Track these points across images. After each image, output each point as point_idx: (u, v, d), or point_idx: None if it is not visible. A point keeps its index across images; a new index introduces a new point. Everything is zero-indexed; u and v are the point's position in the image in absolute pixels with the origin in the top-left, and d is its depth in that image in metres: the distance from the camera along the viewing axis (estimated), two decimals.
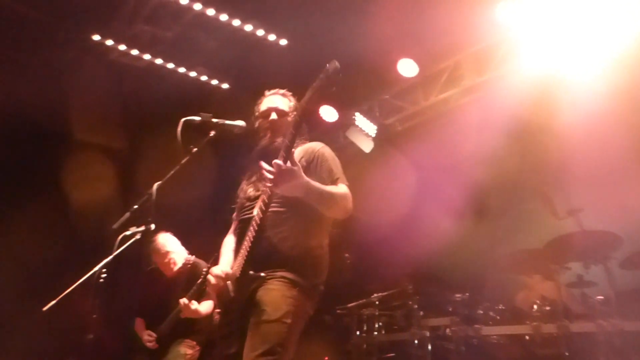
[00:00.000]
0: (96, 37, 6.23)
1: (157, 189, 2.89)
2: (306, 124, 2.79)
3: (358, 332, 5.36)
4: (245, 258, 2.54)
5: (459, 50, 6.01)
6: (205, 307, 4.14)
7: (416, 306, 4.81)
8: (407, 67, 6.12)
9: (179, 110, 2.93)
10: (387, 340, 5.21)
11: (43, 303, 4.00)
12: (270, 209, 2.55)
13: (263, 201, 2.52)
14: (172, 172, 2.89)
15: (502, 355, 4.09)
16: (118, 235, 4.09)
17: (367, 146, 6.83)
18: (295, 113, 2.77)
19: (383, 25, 5.36)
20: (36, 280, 6.00)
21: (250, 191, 2.80)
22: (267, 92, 2.98)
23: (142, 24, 6.20)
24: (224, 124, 2.90)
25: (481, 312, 4.22)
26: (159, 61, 6.54)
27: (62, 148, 6.76)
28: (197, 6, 5.80)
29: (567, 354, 3.69)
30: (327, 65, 2.44)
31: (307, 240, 2.63)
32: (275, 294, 2.47)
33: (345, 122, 6.96)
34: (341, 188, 2.63)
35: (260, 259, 2.53)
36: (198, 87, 6.79)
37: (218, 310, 2.72)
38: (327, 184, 2.61)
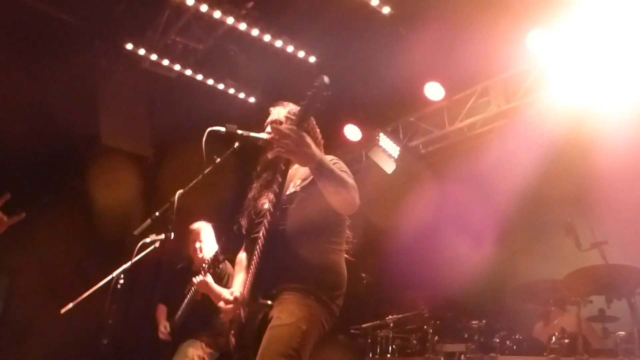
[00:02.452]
0: (129, 46, 6.37)
1: (179, 198, 2.91)
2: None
3: (371, 354, 5.29)
4: (252, 282, 2.50)
5: (487, 76, 5.99)
6: (221, 289, 4.07)
7: (431, 331, 4.73)
8: (433, 91, 6.12)
9: (205, 121, 2.96)
10: None
11: (62, 305, 4.05)
12: (276, 228, 2.47)
13: (267, 221, 2.47)
14: (194, 181, 2.91)
15: None
16: (138, 242, 4.15)
17: (389, 167, 6.81)
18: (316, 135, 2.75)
19: (412, 47, 5.38)
20: (56, 283, 6.09)
21: (263, 202, 2.71)
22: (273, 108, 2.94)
23: (175, 35, 6.34)
24: (248, 136, 2.91)
25: (497, 340, 4.13)
26: (188, 72, 6.65)
27: (90, 153, 6.88)
28: (230, 20, 5.91)
29: None
30: (316, 81, 2.33)
31: (319, 255, 2.54)
32: (289, 302, 2.41)
33: (369, 142, 6.96)
34: (350, 179, 2.47)
35: (269, 280, 2.46)
36: (225, 99, 6.88)
37: (232, 332, 2.68)
38: None
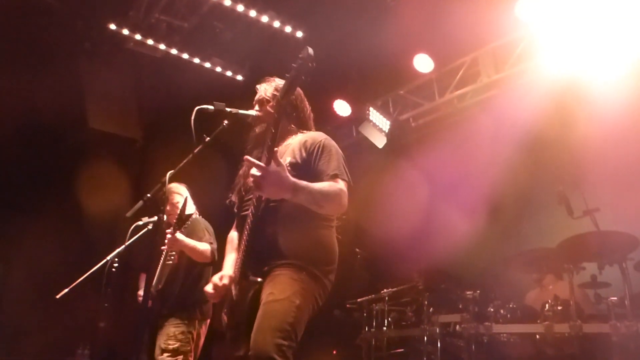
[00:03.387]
0: (112, 27, 6.25)
1: (170, 178, 2.88)
2: (298, 114, 2.76)
3: (367, 328, 5.35)
4: (242, 260, 2.49)
5: (476, 47, 5.95)
6: (195, 243, 3.95)
7: (426, 302, 4.78)
8: (423, 63, 6.08)
9: (193, 101, 2.92)
10: (397, 335, 5.20)
11: (57, 291, 4.04)
12: (265, 205, 2.45)
13: (256, 198, 2.45)
14: (184, 161, 2.88)
15: (513, 353, 4.05)
16: (131, 224, 4.13)
17: (380, 141, 6.79)
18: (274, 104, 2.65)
19: (400, 19, 5.32)
20: (50, 269, 6.08)
21: (247, 185, 2.66)
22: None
23: (159, 14, 6.22)
24: (237, 113, 2.87)
25: (492, 309, 4.19)
26: (174, 51, 6.56)
27: (78, 137, 6.82)
28: None
29: (579, 354, 3.65)
30: (301, 53, 2.29)
31: (308, 226, 2.53)
32: (282, 277, 2.39)
33: (359, 117, 6.93)
34: (336, 185, 2.46)
35: (260, 257, 2.45)
36: (213, 78, 6.80)
37: (225, 311, 2.66)
38: (323, 178, 2.48)
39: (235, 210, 2.79)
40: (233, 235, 2.85)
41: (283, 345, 2.24)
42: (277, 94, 2.63)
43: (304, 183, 2.35)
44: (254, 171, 2.26)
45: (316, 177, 2.49)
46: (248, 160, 2.33)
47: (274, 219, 2.48)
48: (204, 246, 4.02)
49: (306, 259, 2.46)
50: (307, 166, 2.51)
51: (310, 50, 2.29)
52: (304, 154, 2.57)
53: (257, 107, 2.79)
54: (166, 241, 3.82)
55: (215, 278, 2.60)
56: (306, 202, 2.39)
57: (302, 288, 2.39)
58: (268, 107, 2.76)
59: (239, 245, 2.61)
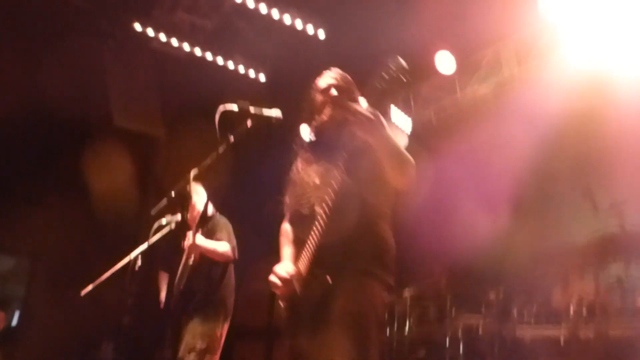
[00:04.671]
0: (137, 26, 6.32)
1: (194, 177, 2.91)
2: None
3: (388, 330, 5.31)
4: (311, 258, 2.46)
5: (498, 40, 5.87)
6: (215, 244, 3.97)
7: (449, 302, 4.75)
8: (444, 61, 6.01)
9: (215, 99, 2.94)
10: (419, 337, 5.15)
11: (82, 287, 4.11)
12: (335, 205, 2.41)
13: (329, 195, 2.41)
14: (209, 160, 2.90)
15: (536, 356, 4.00)
16: (154, 222, 4.17)
17: (401, 138, 6.74)
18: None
19: (421, 14, 5.28)
20: (75, 265, 6.18)
21: (311, 176, 2.65)
22: (325, 71, 2.80)
23: (183, 13, 6.27)
24: (261, 114, 2.89)
25: (515, 311, 4.14)
26: (197, 50, 6.60)
27: (102, 135, 6.91)
28: None
29: (604, 357, 3.58)
30: (390, 62, 2.30)
31: (373, 228, 2.53)
32: (350, 287, 2.39)
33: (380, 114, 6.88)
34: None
35: (327, 258, 2.43)
36: (235, 76, 6.83)
37: (283, 304, 2.63)
38: None
39: (288, 205, 2.76)
40: (287, 227, 2.81)
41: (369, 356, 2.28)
42: (351, 87, 2.71)
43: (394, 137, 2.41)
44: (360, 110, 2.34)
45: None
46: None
47: (343, 220, 2.44)
48: (224, 246, 4.05)
49: (374, 263, 2.48)
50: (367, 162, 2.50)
51: (402, 61, 2.30)
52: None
53: (334, 91, 2.69)
54: (186, 246, 3.85)
55: (280, 270, 2.58)
56: (393, 160, 2.44)
57: (372, 295, 2.42)
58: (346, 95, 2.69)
59: (297, 241, 2.60)
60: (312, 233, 2.45)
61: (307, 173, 2.68)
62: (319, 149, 2.68)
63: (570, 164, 5.38)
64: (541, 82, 5.48)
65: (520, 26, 5.59)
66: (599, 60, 5.05)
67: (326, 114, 2.67)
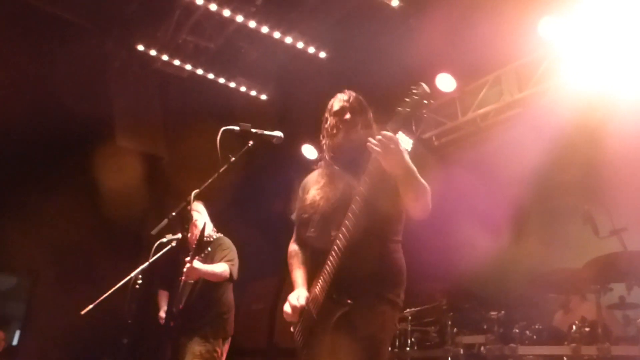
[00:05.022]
0: (141, 47, 6.41)
1: (195, 197, 2.93)
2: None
3: (390, 348, 5.29)
4: (329, 283, 2.46)
5: (499, 65, 5.94)
6: (213, 267, 3.98)
7: (450, 322, 4.72)
8: (445, 82, 6.07)
9: (218, 119, 2.98)
10: (420, 356, 5.13)
11: (82, 307, 4.09)
12: (354, 230, 2.43)
13: (346, 227, 2.43)
14: (210, 180, 2.92)
15: None
16: (155, 241, 4.18)
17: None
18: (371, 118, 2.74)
19: (422, 39, 5.35)
20: (75, 284, 6.17)
21: (315, 195, 2.68)
22: (338, 94, 2.84)
23: (186, 35, 6.37)
24: (262, 134, 2.92)
25: (517, 330, 4.11)
26: (200, 71, 6.68)
27: (106, 155, 6.95)
28: (240, 18, 5.92)
29: None
30: (415, 88, 2.40)
31: (386, 252, 2.57)
32: (366, 312, 2.43)
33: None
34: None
35: (345, 284, 2.45)
36: (237, 97, 6.90)
37: (299, 329, 2.62)
38: None
39: (298, 226, 2.80)
40: (295, 250, 2.81)
41: None
42: (363, 105, 2.76)
43: (414, 168, 2.42)
44: (379, 137, 2.36)
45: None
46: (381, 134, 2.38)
47: (359, 244, 2.45)
48: (222, 267, 4.07)
49: (386, 286, 2.51)
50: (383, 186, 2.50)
51: (426, 87, 2.38)
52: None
53: (348, 115, 2.72)
54: (184, 271, 3.86)
55: (293, 298, 2.59)
56: (412, 187, 2.45)
57: (384, 320, 2.46)
58: (360, 117, 2.74)
59: (307, 263, 2.64)
60: (331, 257, 2.46)
61: (320, 193, 2.68)
62: (334, 169, 2.70)
63: (570, 187, 5.40)
64: (542, 107, 5.53)
65: (522, 52, 5.66)
66: (599, 84, 5.10)
67: (340, 137, 2.69)
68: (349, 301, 2.42)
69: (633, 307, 4.08)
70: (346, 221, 2.44)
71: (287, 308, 2.60)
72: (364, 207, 2.42)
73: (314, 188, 2.73)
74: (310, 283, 2.62)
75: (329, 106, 2.82)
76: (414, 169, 2.42)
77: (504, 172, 5.66)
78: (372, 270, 2.49)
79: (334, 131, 2.71)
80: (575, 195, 5.18)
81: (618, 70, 4.94)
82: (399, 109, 2.45)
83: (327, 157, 2.76)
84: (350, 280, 2.45)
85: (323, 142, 2.79)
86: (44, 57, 6.32)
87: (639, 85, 4.84)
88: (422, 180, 2.48)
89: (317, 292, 2.52)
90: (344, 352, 2.40)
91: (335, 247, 2.46)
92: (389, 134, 2.36)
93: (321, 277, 2.51)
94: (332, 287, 2.46)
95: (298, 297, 2.58)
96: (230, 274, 4.10)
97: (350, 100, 2.76)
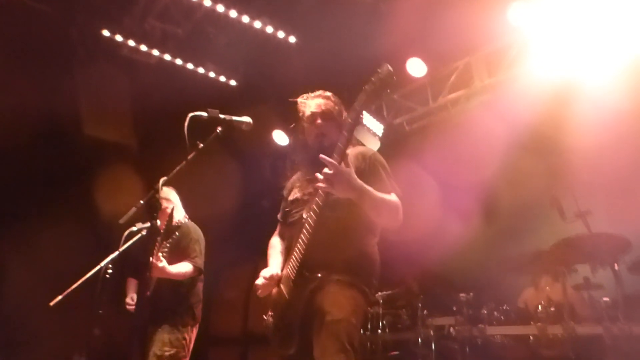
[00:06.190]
0: (106, 33, 6.26)
1: (164, 184, 2.89)
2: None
3: (362, 331, 5.36)
4: (299, 261, 2.56)
5: (469, 52, 5.98)
6: (178, 268, 3.96)
7: (421, 305, 4.80)
8: (416, 67, 6.10)
9: (187, 106, 2.94)
10: (392, 339, 5.20)
11: (51, 298, 4.03)
12: (324, 214, 2.54)
13: (316, 204, 2.52)
14: (178, 168, 2.89)
15: (507, 355, 4.07)
16: (125, 231, 4.12)
17: (373, 145, 6.81)
18: (346, 116, 2.78)
19: (393, 24, 5.35)
20: (44, 275, 6.05)
21: (297, 194, 2.83)
22: (308, 95, 2.95)
23: (153, 20, 6.24)
24: (231, 120, 2.90)
25: (485, 312, 4.21)
26: (168, 57, 6.57)
27: (73, 143, 6.81)
28: (207, 2, 5.83)
29: (572, 356, 3.67)
30: (379, 68, 2.49)
31: (359, 242, 2.67)
32: (336, 295, 2.50)
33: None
34: (393, 197, 2.63)
35: (314, 262, 2.54)
36: (207, 83, 6.81)
37: (270, 313, 2.71)
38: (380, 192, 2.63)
39: (280, 218, 2.94)
40: (275, 241, 2.95)
41: None
42: (335, 112, 2.85)
43: (369, 188, 2.50)
44: (326, 170, 2.41)
45: None
46: (323, 159, 2.42)
47: (330, 230, 2.57)
48: (186, 267, 4.05)
49: (356, 274, 2.59)
50: (361, 178, 2.58)
51: (389, 67, 2.48)
52: (358, 167, 2.69)
53: (319, 120, 2.84)
54: (152, 269, 3.83)
55: (266, 272, 2.70)
56: (369, 206, 2.54)
57: (355, 305, 2.52)
58: (332, 122, 2.84)
59: (292, 248, 2.68)
60: (301, 238, 2.55)
61: (300, 192, 2.83)
62: (312, 170, 2.74)
63: (539, 173, 5.49)
64: (511, 93, 5.59)
65: (491, 38, 5.70)
66: (568, 71, 5.18)
67: (311, 141, 2.83)
68: (319, 275, 2.50)
69: (597, 287, 4.19)
70: (314, 205, 2.53)
71: (259, 280, 2.69)
72: (326, 198, 2.51)
73: (295, 188, 2.88)
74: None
75: (303, 105, 2.92)
76: (367, 189, 2.50)
77: (473, 157, 5.73)
78: (341, 258, 2.57)
79: (308, 135, 2.86)
80: (543, 180, 5.27)
81: (585, 57, 5.02)
82: (365, 87, 2.54)
83: (304, 156, 2.90)
84: (321, 257, 2.54)
85: (300, 138, 2.92)
86: (4, 43, 6.12)
87: (605, 72, 4.93)
88: (385, 197, 2.57)
89: (289, 271, 2.61)
90: (315, 336, 2.45)
91: (305, 228, 2.54)
92: (329, 169, 2.40)
93: (292, 257, 2.60)
94: (303, 265, 2.54)
95: (270, 273, 2.69)
96: (195, 269, 4.10)
97: (322, 105, 2.86)
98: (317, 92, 2.95)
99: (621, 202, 4.63)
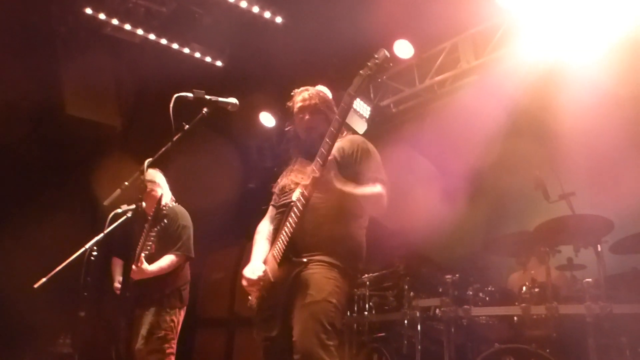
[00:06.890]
0: (88, 11, 6.14)
1: (149, 166, 2.87)
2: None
3: (349, 313, 5.40)
4: (286, 243, 2.60)
5: (456, 32, 5.95)
6: (159, 264, 3.99)
7: (407, 287, 4.83)
8: (403, 49, 6.08)
9: (172, 86, 2.90)
10: (378, 320, 5.25)
11: (35, 280, 4.00)
12: (311, 199, 2.60)
13: (307, 190, 2.56)
14: (163, 149, 2.87)
15: (491, 335, 4.12)
16: (110, 212, 4.10)
17: (360, 127, 6.80)
18: (335, 110, 2.86)
19: (380, 5, 5.30)
20: (29, 257, 6.00)
21: (286, 183, 2.89)
22: (297, 90, 3.03)
23: None
24: (217, 101, 2.88)
25: (471, 293, 4.24)
26: (152, 37, 6.46)
27: (55, 124, 6.71)
28: None
29: (555, 335, 3.72)
30: (376, 54, 2.53)
31: (344, 225, 2.71)
32: (317, 276, 2.54)
33: (339, 103, 6.90)
34: (377, 188, 2.69)
35: (300, 245, 2.60)
36: (192, 63, 6.72)
37: (256, 296, 2.73)
38: (363, 180, 2.71)
39: (272, 204, 3.00)
40: (264, 226, 2.98)
41: (330, 345, 2.43)
42: (323, 102, 2.94)
43: (349, 189, 2.60)
44: (313, 170, 2.52)
45: (356, 178, 2.70)
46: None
47: (316, 214, 2.65)
48: (168, 260, 4.05)
49: (340, 256, 2.64)
50: (348, 167, 2.72)
51: (386, 52, 2.52)
52: (345, 155, 2.77)
53: (307, 114, 2.93)
54: (132, 270, 3.83)
55: (248, 272, 2.73)
56: (350, 201, 2.65)
57: (336, 286, 2.56)
58: (320, 115, 2.92)
59: (278, 233, 2.72)
60: (289, 220, 2.59)
61: (295, 171, 2.90)
62: (302, 160, 2.89)
63: (524, 154, 5.52)
64: (498, 75, 5.59)
65: (478, 19, 5.68)
66: (554, 53, 5.18)
67: (301, 134, 2.94)
68: (304, 260, 2.55)
69: (580, 268, 4.25)
70: (303, 188, 2.59)
71: (244, 282, 2.74)
72: (320, 178, 2.55)
73: (287, 176, 2.94)
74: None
75: (292, 99, 2.99)
76: (347, 191, 2.60)
77: (460, 139, 5.75)
78: (322, 238, 2.63)
79: (298, 128, 2.96)
80: (528, 161, 5.30)
81: (572, 39, 5.02)
82: (361, 72, 2.57)
83: (296, 148, 3.00)
84: (307, 239, 2.60)
85: (292, 130, 3.02)
86: None
87: (591, 54, 4.94)
88: (366, 191, 2.66)
89: (275, 254, 2.65)
90: (295, 317, 2.49)
91: (293, 211, 2.59)
92: (314, 175, 2.50)
93: (279, 239, 2.64)
94: (289, 248, 2.58)
95: (253, 269, 2.72)
96: (179, 259, 4.10)
97: (310, 100, 2.93)
98: (304, 87, 3.03)
99: (605, 184, 4.69)
